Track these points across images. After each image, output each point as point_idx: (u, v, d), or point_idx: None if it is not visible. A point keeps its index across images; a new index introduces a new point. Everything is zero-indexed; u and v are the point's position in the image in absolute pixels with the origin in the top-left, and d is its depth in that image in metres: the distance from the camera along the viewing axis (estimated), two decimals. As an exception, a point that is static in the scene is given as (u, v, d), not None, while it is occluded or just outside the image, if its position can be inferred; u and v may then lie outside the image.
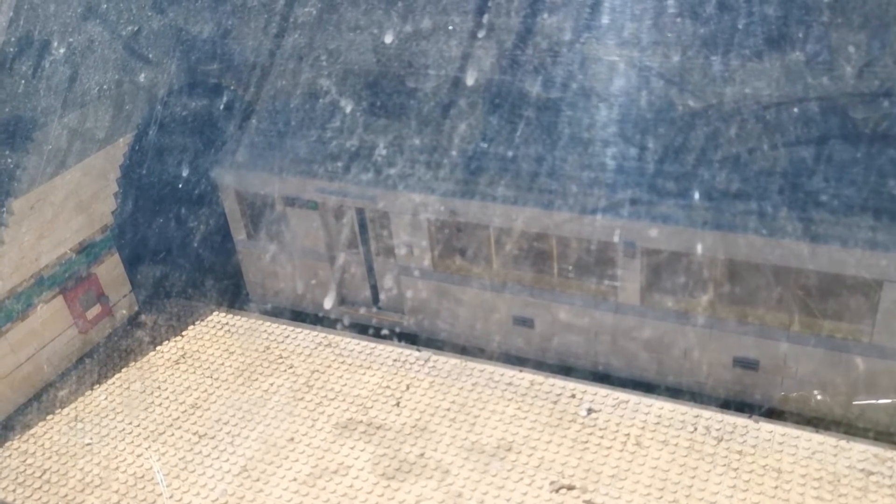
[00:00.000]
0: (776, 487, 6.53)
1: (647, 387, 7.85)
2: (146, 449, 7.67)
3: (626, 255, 7.33)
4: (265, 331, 9.06)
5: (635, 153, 6.77)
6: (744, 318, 7.35)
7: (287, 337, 8.93)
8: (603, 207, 6.99)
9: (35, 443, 7.90)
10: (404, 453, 7.29)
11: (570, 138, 7.00)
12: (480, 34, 6.39)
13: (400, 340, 8.50)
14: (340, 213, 8.70)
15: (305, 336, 8.91)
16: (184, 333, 9.16)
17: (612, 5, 5.80)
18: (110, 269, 9.01)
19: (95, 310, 8.89)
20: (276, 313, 9.31)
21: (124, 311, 9.28)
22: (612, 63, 6.13)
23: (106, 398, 8.36)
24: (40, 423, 8.10)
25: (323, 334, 8.86)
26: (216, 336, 9.08)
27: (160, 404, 8.21)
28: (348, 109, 7.61)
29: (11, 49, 7.42)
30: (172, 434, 7.82)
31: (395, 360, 8.38)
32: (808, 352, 7.17)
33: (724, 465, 6.78)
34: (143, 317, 9.41)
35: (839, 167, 6.26)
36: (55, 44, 7.48)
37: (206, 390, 8.32)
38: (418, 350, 8.44)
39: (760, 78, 5.71)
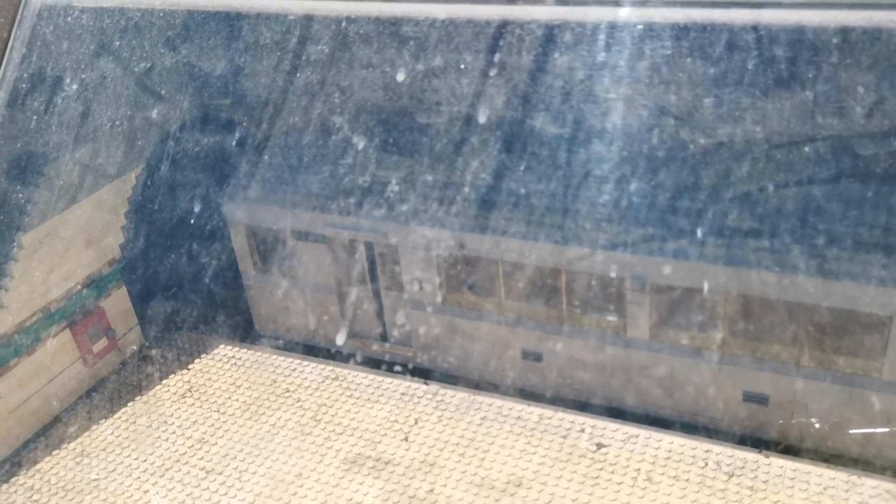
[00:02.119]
0: (789, 524, 6.51)
1: (656, 421, 7.83)
2: (153, 485, 7.63)
3: (635, 290, 7.34)
4: (272, 364, 9.05)
5: (646, 190, 6.83)
6: (754, 353, 7.34)
7: (294, 370, 8.92)
8: (613, 243, 7.01)
9: (41, 478, 7.84)
10: (413, 489, 7.25)
11: (580, 175, 7.07)
12: (491, 72, 6.49)
13: (411, 374, 8.49)
14: (350, 248, 8.73)
15: (313, 369, 8.89)
16: (190, 367, 9.14)
17: (623, 45, 5.90)
18: (117, 303, 9.02)
19: (102, 343, 8.88)
20: (286, 347, 9.30)
21: (132, 345, 9.26)
22: (624, 101, 6.21)
23: (112, 433, 8.31)
24: (46, 459, 8.05)
25: (330, 367, 8.85)
26: (223, 369, 9.06)
27: (167, 439, 8.17)
28: (359, 146, 7.68)
29: (24, 85, 7.49)
30: (179, 470, 7.78)
31: (402, 394, 8.36)
32: (819, 387, 7.16)
33: (736, 501, 6.75)
34: (149, 350, 9.39)
35: (850, 204, 6.30)
36: (67, 80, 7.56)
37: (213, 424, 8.29)
38: (426, 384, 8.43)
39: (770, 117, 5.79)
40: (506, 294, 8.15)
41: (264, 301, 9.44)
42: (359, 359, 8.91)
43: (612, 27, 5.95)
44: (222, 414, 8.42)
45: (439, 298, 8.39)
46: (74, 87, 7.67)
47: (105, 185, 8.40)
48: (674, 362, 7.64)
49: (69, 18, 7.65)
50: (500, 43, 6.29)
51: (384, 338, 9.18)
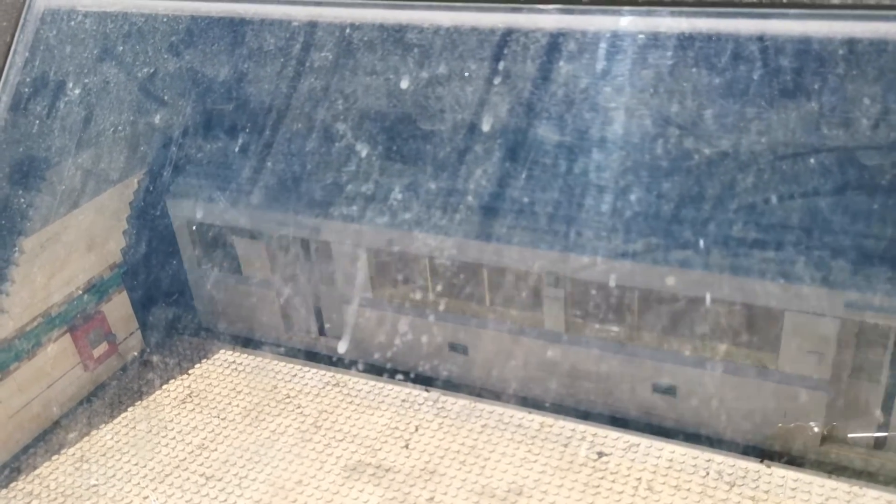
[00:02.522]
0: (790, 535, 6.49)
1: (573, 412, 8.04)
2: (152, 491, 7.60)
3: (551, 286, 7.57)
4: (273, 369, 9.03)
5: (566, 188, 7.01)
6: (663, 346, 7.52)
7: (294, 376, 8.90)
8: (532, 240, 7.24)
9: (41, 484, 7.82)
10: (414, 497, 7.23)
11: (503, 173, 7.23)
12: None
13: (412, 381, 8.50)
14: (286, 244, 8.88)
15: (313, 375, 8.87)
16: (190, 372, 9.12)
17: (627, 55, 5.90)
18: (118, 307, 9.00)
19: (102, 348, 8.86)
20: (227, 340, 9.43)
21: (132, 350, 9.24)
22: (627, 111, 6.22)
23: (112, 438, 8.29)
24: (46, 464, 8.03)
25: (331, 374, 8.83)
26: (223, 375, 9.04)
27: (167, 444, 8.15)
28: (298, 145, 7.87)
29: (26, 89, 7.48)
30: (179, 476, 7.75)
31: (403, 401, 8.34)
32: (721, 378, 7.35)
33: (738, 511, 6.74)
34: (149, 355, 9.37)
35: (747, 204, 6.46)
36: (70, 84, 7.55)
37: (213, 430, 8.27)
38: (427, 390, 8.42)
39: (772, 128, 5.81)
40: (433, 289, 8.34)
41: (205, 297, 9.54)
42: (289, 347, 9.16)
43: (617, 36, 5.95)
44: (222, 419, 8.39)
45: (370, 294, 8.56)
46: (77, 91, 7.66)
47: (107, 190, 8.39)
48: (588, 354, 7.82)
49: (72, 23, 7.64)
50: (505, 51, 6.29)
51: (321, 332, 9.34)
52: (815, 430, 7.02)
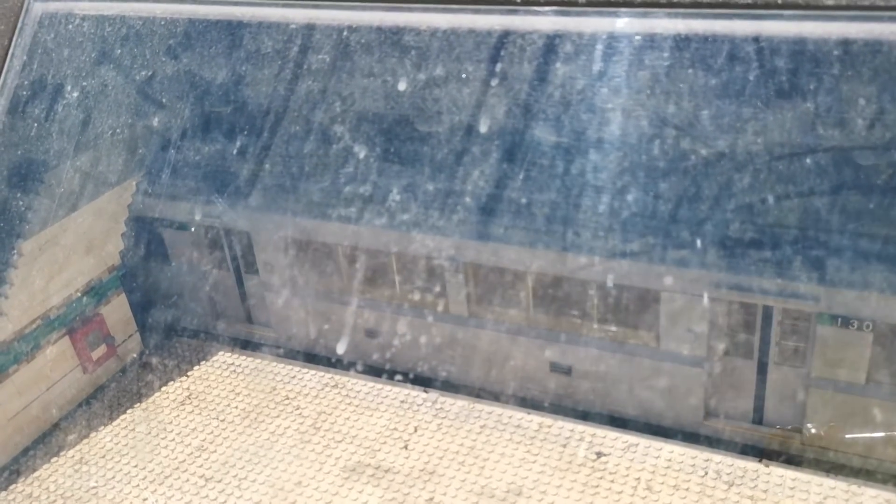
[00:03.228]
0: (789, 534, 6.51)
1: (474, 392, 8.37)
2: (152, 493, 7.61)
3: (453, 271, 7.88)
4: (272, 371, 9.04)
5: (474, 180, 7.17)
6: (559, 327, 7.82)
7: (293, 377, 8.91)
8: (436, 228, 7.55)
9: (40, 486, 7.83)
10: (413, 498, 7.24)
11: (413, 164, 7.39)
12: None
13: (412, 382, 8.57)
14: (211, 234, 9.09)
15: (312, 376, 8.88)
16: (189, 374, 9.13)
17: (624, 56, 5.92)
18: (116, 310, 9.00)
19: (101, 350, 8.87)
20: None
21: (131, 353, 9.25)
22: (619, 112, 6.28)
23: (111, 440, 8.30)
24: (45, 466, 8.04)
25: (330, 375, 8.84)
26: (222, 376, 9.05)
27: (166, 446, 8.16)
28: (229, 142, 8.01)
29: (24, 93, 7.49)
30: (178, 477, 7.76)
31: (402, 402, 8.35)
32: (611, 357, 7.67)
33: (736, 510, 6.76)
34: (148, 357, 9.38)
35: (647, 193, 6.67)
36: (68, 88, 7.56)
37: (212, 432, 8.27)
38: (426, 391, 8.43)
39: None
40: (347, 277, 8.57)
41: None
42: (221, 335, 9.47)
43: (613, 38, 5.96)
44: (221, 421, 8.40)
45: (290, 282, 8.80)
46: (75, 94, 7.67)
47: (105, 193, 8.40)
48: (489, 336, 8.11)
49: (70, 26, 7.65)
50: (502, 52, 6.31)
51: (249, 319, 9.57)
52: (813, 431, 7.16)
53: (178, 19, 7.52)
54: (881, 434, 6.80)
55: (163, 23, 7.57)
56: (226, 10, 7.29)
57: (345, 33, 6.90)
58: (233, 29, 7.60)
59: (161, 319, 9.45)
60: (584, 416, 7.88)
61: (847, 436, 6.97)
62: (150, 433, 8.33)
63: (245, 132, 8.11)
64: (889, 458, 6.84)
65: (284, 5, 6.79)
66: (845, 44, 5.17)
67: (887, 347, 6.47)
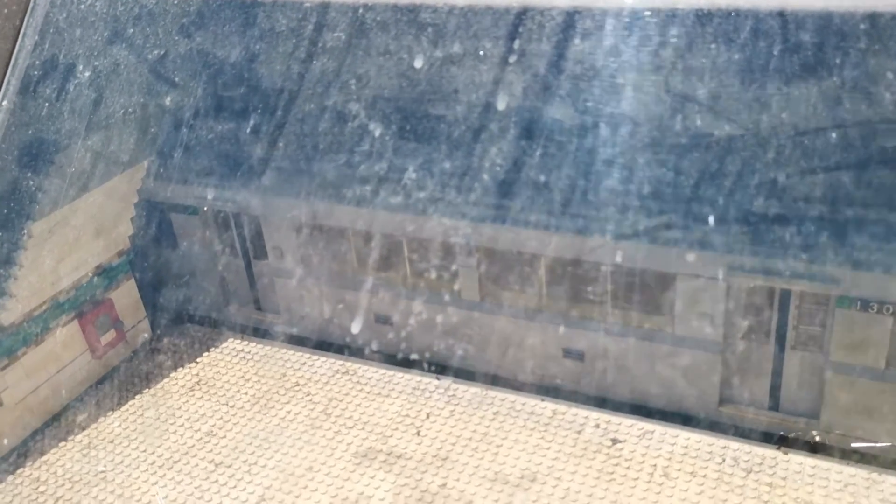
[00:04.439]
0: (809, 521, 6.40)
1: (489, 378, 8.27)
2: (161, 478, 7.53)
3: (465, 256, 7.81)
4: (281, 357, 8.96)
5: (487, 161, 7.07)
6: (571, 313, 7.72)
7: (304, 364, 8.82)
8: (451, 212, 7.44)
9: (48, 470, 7.74)
10: (426, 483, 7.15)
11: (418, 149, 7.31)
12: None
13: (422, 368, 8.47)
14: (220, 218, 9.00)
15: (322, 363, 8.80)
16: (199, 360, 9.05)
17: (645, 32, 5.83)
18: (126, 294, 8.93)
19: (110, 335, 8.79)
20: (165, 312, 9.48)
21: (142, 337, 9.18)
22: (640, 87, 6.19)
23: (120, 425, 8.22)
24: (53, 451, 7.95)
25: (340, 361, 8.75)
26: (231, 363, 8.97)
27: (175, 432, 8.08)
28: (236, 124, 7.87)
29: (36, 72, 7.42)
30: (188, 462, 7.68)
31: (414, 389, 8.26)
32: (625, 341, 7.57)
33: (755, 497, 6.64)
34: (157, 342, 9.30)
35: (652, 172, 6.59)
36: (80, 67, 7.49)
37: (221, 418, 8.19)
38: (438, 378, 8.34)
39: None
40: (358, 261, 8.50)
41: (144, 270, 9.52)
42: (230, 322, 9.34)
43: (635, 13, 5.88)
44: (231, 407, 8.32)
45: (300, 267, 8.70)
46: (87, 74, 7.60)
47: (116, 175, 8.33)
48: (501, 321, 8.01)
49: (82, 5, 7.58)
50: (519, 30, 6.23)
51: (258, 305, 9.46)
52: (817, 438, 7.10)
53: (190, -2, 7.47)
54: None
55: (175, 1, 7.50)
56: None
57: (360, 11, 6.83)
58: (246, 7, 7.54)
59: (170, 304, 9.38)
60: (599, 402, 7.78)
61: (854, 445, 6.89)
62: (158, 418, 8.25)
63: (255, 114, 8.04)
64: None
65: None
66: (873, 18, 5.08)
67: (909, 332, 6.36)
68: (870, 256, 6.08)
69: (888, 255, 6.05)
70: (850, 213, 6.00)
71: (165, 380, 8.80)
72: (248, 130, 8.03)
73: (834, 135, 5.57)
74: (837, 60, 5.26)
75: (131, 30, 7.57)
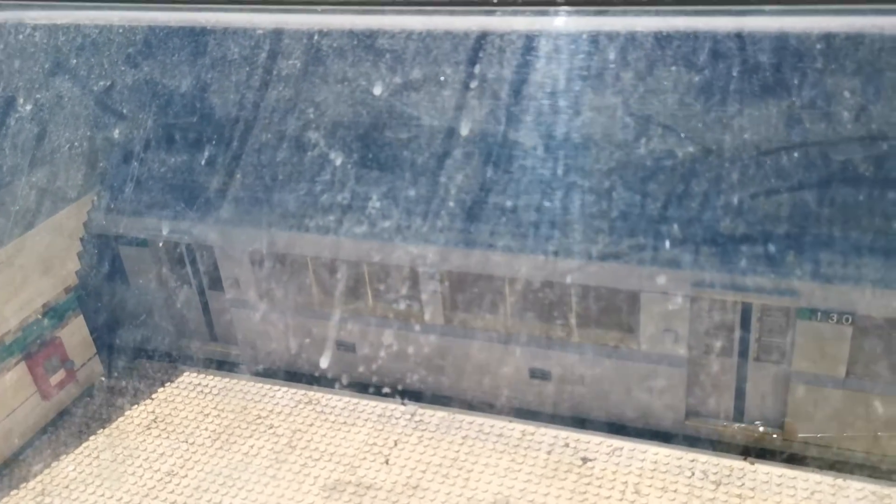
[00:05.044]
0: (779, 530, 6.49)
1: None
2: (121, 522, 7.26)
3: (429, 280, 7.77)
4: (241, 390, 8.73)
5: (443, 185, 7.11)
6: (536, 333, 7.74)
7: (264, 396, 8.62)
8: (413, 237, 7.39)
9: (-1, 522, 7.40)
10: (398, 514, 7.04)
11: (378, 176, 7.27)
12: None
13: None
14: (172, 251, 8.81)
15: (284, 394, 8.60)
16: (154, 396, 8.76)
17: (606, 55, 5.87)
18: (74, 332, 8.60)
19: (59, 375, 8.45)
20: (116, 348, 9.18)
21: (91, 376, 8.84)
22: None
23: (74, 469, 7.89)
24: (4, 500, 7.59)
25: (302, 391, 8.57)
26: (189, 398, 8.70)
27: (133, 473, 7.79)
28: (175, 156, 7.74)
29: (-26, 106, 7.12)
30: (149, 505, 7.42)
31: (379, 416, 8.14)
32: (591, 360, 7.64)
33: (726, 509, 6.72)
34: (110, 380, 8.98)
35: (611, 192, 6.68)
36: (21, 100, 7.20)
37: (181, 456, 7.94)
38: (403, 404, 8.23)
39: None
40: (318, 290, 8.38)
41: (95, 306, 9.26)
42: (186, 356, 9.12)
43: (595, 37, 5.91)
44: (191, 444, 8.07)
45: (258, 297, 8.56)
46: (28, 107, 7.31)
47: (62, 210, 8.02)
48: (466, 345, 7.99)
49: (21, 36, 7.30)
50: (480, 54, 6.20)
51: (214, 338, 9.27)
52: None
53: (137, 27, 7.24)
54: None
55: (121, 31, 7.27)
56: (188, 15, 7.01)
57: (315, 38, 6.71)
58: (196, 36, 7.34)
59: (122, 341, 9.06)
60: (567, 421, 7.78)
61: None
62: (115, 460, 7.95)
63: (208, 144, 7.85)
64: (871, 451, 6.89)
65: (251, 10, 6.57)
66: (828, 38, 5.20)
67: (867, 340, 6.52)
68: (828, 269, 6.21)
69: (845, 268, 6.19)
70: (808, 229, 6.13)
71: (120, 419, 8.49)
72: (201, 161, 7.82)
73: (792, 153, 5.69)
74: (795, 81, 5.37)
75: (74, 61, 7.31)
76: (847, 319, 6.46)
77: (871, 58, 5.22)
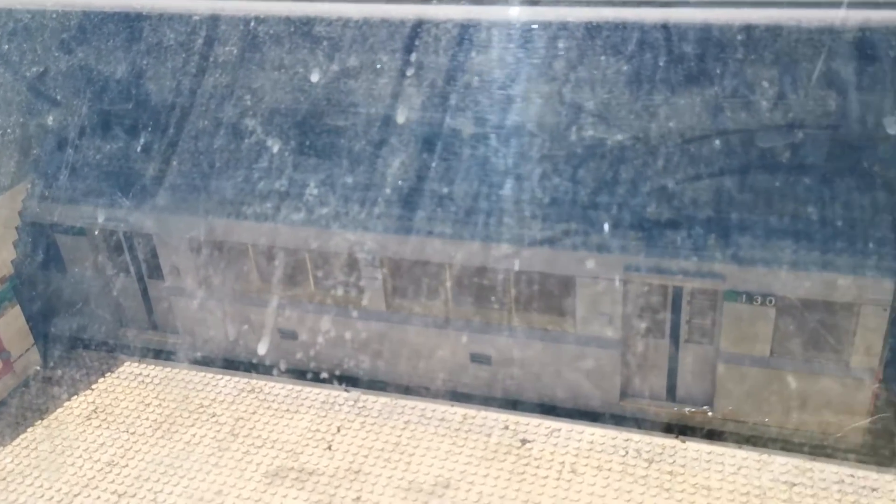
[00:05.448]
0: (708, 505, 6.75)
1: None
2: (60, 513, 7.19)
3: (370, 267, 7.90)
4: (182, 379, 8.69)
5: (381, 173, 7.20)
6: (476, 318, 7.95)
7: (207, 384, 8.60)
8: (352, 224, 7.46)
9: (-68, 516, 7.27)
10: (339, 498, 7.11)
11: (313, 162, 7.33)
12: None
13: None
14: (110, 239, 8.75)
15: (227, 382, 8.60)
16: (94, 387, 8.67)
17: (537, 45, 6.00)
18: (11, 322, 8.45)
19: (-5, 367, 8.31)
20: (54, 338, 9.08)
21: (29, 367, 8.70)
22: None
23: (12, 461, 7.78)
24: (-63, 494, 7.46)
25: (245, 380, 8.58)
26: (129, 387, 8.64)
27: (73, 464, 7.72)
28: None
29: None
30: (89, 495, 7.35)
31: (323, 402, 8.20)
32: (529, 344, 7.87)
33: (657, 486, 6.95)
34: (47, 371, 8.85)
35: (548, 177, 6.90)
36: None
37: (122, 446, 7.89)
38: (346, 390, 8.30)
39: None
40: (259, 277, 8.42)
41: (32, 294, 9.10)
42: (127, 345, 9.05)
43: (526, 25, 6.04)
44: (132, 434, 8.02)
45: (197, 285, 8.55)
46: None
47: (-6, 198, 7.88)
48: (409, 331, 8.13)
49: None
50: (416, 42, 6.28)
51: (155, 326, 9.26)
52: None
53: (70, 12, 7.13)
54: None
55: (54, 16, 7.15)
56: (123, 1, 6.97)
57: (252, 24, 6.71)
58: (131, 21, 7.27)
59: (60, 331, 8.94)
60: (507, 404, 7.94)
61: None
62: (54, 451, 7.86)
63: (145, 131, 7.77)
64: (795, 427, 7.20)
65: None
66: (748, 29, 5.41)
67: (789, 320, 6.80)
68: (752, 253, 6.46)
69: (769, 252, 6.44)
70: (733, 215, 6.35)
71: (59, 410, 8.39)
72: (138, 148, 7.74)
73: (715, 141, 5.90)
74: (718, 70, 5.57)
75: (5, 46, 7.17)
76: (770, 301, 6.73)
77: (788, 49, 5.44)
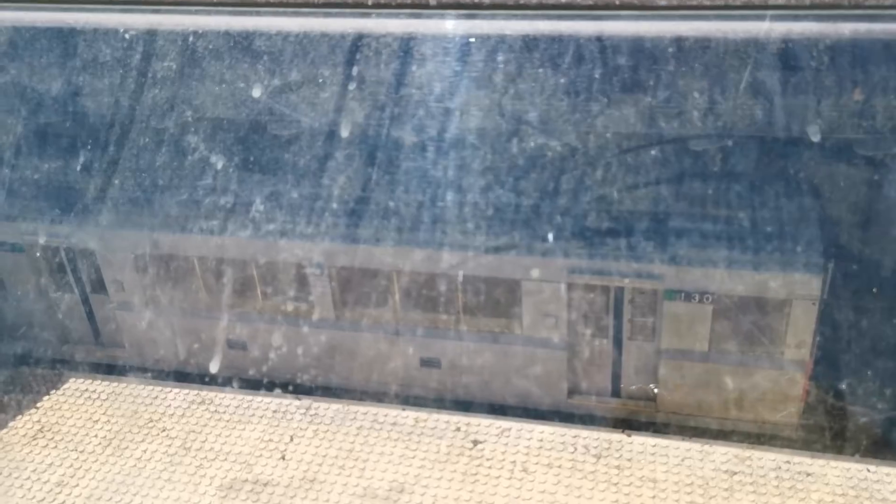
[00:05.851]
0: (654, 497, 6.98)
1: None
2: (9, 537, 7.09)
3: (317, 276, 7.97)
4: (130, 394, 8.61)
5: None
6: (425, 323, 8.09)
7: (156, 398, 8.53)
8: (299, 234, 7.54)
9: None
10: (295, 507, 7.17)
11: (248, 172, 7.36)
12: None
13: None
14: (50, 255, 8.66)
15: (176, 395, 8.54)
16: (39, 405, 8.52)
17: (477, 57, 6.10)
18: (-51, 344, 8.26)
19: (-66, 390, 8.11)
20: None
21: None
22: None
23: (-45, 486, 7.63)
24: None
25: (195, 392, 8.54)
26: (76, 404, 8.52)
27: (20, 486, 7.60)
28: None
29: None
30: (38, 517, 7.27)
31: (274, 412, 8.22)
32: (478, 347, 8.07)
33: (605, 481, 7.17)
34: (-11, 392, 8.68)
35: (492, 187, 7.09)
36: None
37: (71, 465, 7.79)
38: (298, 399, 8.33)
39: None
40: (205, 289, 8.44)
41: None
42: (71, 360, 8.98)
43: (465, 38, 6.13)
44: (81, 452, 7.92)
45: (143, 299, 8.55)
46: None
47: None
48: (358, 338, 8.25)
49: None
50: (357, 56, 6.33)
51: (100, 342, 9.20)
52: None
53: (1, 27, 6.97)
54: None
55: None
56: (55, 16, 6.83)
57: (190, 39, 6.66)
58: (65, 36, 7.13)
59: (1, 350, 8.76)
60: (458, 406, 8.08)
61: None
62: (1, 473, 7.72)
63: (83, 148, 7.65)
64: (735, 418, 7.51)
65: (122, 10, 6.46)
66: (679, 41, 5.60)
67: (726, 317, 7.08)
68: (689, 254, 6.71)
69: (704, 253, 6.69)
70: (670, 219, 6.58)
71: (3, 430, 8.23)
72: (77, 165, 7.62)
73: (651, 150, 6.10)
74: (651, 81, 5.76)
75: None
76: (707, 299, 7.00)
77: (716, 60, 5.66)
